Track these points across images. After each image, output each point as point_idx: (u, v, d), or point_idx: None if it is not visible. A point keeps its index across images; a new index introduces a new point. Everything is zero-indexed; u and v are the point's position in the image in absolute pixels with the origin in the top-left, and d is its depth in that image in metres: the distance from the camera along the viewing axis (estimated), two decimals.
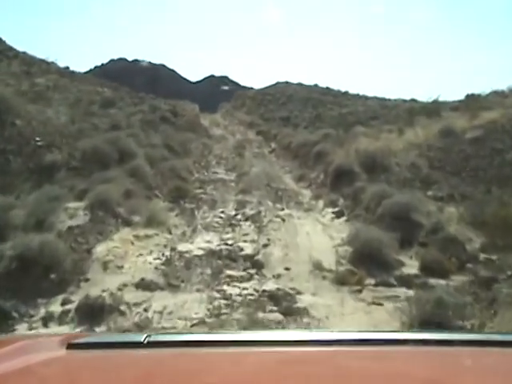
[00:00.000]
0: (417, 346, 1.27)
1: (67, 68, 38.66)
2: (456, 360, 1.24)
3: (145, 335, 1.32)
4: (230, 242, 9.60)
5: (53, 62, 37.09)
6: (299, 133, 24.69)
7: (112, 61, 71.76)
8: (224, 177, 17.08)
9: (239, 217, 11.75)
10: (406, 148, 15.78)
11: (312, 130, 26.65)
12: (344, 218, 11.55)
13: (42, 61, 37.06)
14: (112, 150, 13.45)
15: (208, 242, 9.67)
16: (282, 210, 12.49)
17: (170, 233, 9.81)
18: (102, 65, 69.75)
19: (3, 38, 39.12)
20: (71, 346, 1.29)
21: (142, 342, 1.29)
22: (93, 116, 20.47)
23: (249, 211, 12.09)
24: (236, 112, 40.16)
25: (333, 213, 12.18)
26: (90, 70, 62.51)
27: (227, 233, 10.44)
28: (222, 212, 12.30)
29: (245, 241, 9.76)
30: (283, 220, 11.28)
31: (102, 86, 35.79)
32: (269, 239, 9.74)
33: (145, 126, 21.77)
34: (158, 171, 15.01)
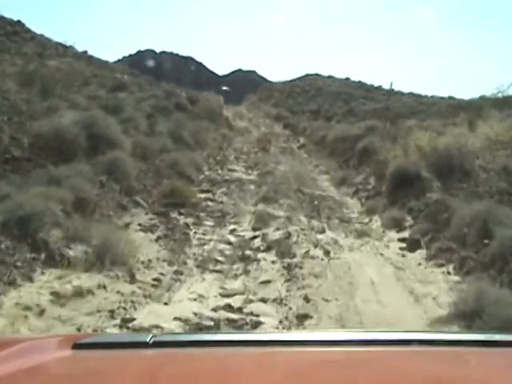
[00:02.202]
0: (422, 346, 1.18)
1: (85, 52, 34.48)
2: (462, 360, 1.17)
3: (150, 335, 1.22)
4: (236, 303, 5.01)
5: (71, 46, 33.02)
6: (334, 126, 19.96)
7: (140, 52, 67.42)
8: (242, 176, 12.47)
9: (258, 243, 7.15)
10: (486, 146, 11.00)
11: (345, 124, 21.95)
12: (422, 252, 6.87)
13: (60, 44, 33.06)
14: (82, 135, 8.94)
15: (198, 298, 5.09)
16: (323, 232, 7.87)
17: (133, 280, 5.23)
18: (130, 55, 65.47)
19: (22, 21, 35.24)
20: (77, 346, 1.19)
21: (147, 342, 1.18)
22: (93, 99, 15.96)
23: (273, 233, 7.49)
24: (262, 104, 35.45)
25: (400, 240, 7.53)
26: (118, 61, 58.42)
27: (235, 277, 5.84)
28: (233, 232, 7.72)
29: (263, 300, 5.16)
30: (327, 253, 6.66)
31: (122, 72, 31.66)
32: (307, 298, 5.13)
33: (156, 113, 17.29)
34: (153, 167, 10.51)
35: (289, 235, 7.32)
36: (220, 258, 6.44)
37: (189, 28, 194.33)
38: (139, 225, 7.16)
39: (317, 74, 42.83)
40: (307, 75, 42.82)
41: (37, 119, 9.23)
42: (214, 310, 4.83)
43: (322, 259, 6.38)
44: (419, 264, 6.48)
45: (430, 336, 1.30)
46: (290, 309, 4.93)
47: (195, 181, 11.00)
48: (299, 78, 42.08)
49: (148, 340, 1.19)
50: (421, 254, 6.82)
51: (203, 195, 9.89)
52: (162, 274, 5.59)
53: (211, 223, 8.07)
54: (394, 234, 7.79)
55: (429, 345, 1.19)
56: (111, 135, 9.67)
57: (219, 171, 12.79)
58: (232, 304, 4.93)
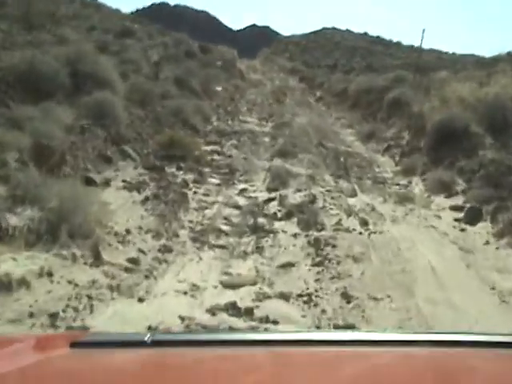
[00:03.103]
0: (424, 346, 1.09)
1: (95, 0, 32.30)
2: (463, 361, 1.08)
3: (148, 334, 1.12)
4: (244, 300, 3.34)
5: None
6: (354, 79, 17.95)
7: (154, 4, 64.53)
8: (255, 128, 10.67)
9: (274, 208, 5.43)
10: None
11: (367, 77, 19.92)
12: (487, 226, 5.13)
13: None
14: (64, 71, 7.17)
15: (190, 291, 3.44)
16: (354, 195, 6.14)
17: (97, 261, 3.56)
18: (144, 8, 62.71)
19: None
20: (74, 345, 1.11)
21: (145, 341, 1.09)
22: (95, 42, 14.02)
23: (293, 195, 5.77)
24: (277, 58, 33.17)
25: (453, 208, 5.78)
26: (132, 13, 55.87)
27: (244, 256, 4.16)
28: (243, 193, 6.01)
29: (284, 296, 3.48)
30: (364, 223, 4.95)
31: (132, 21, 29.54)
32: (346, 295, 3.46)
33: (164, 61, 15.35)
34: (152, 114, 8.74)
35: (313, 198, 5.61)
36: (225, 228, 4.75)
37: None
38: (123, 181, 5.45)
39: (334, 28, 40.23)
40: (324, 29, 40.21)
41: (12, 51, 7.47)
42: (212, 311, 3.15)
43: (361, 233, 4.67)
44: (487, 243, 4.75)
45: (431, 337, 1.16)
46: (324, 312, 3.24)
47: (201, 131, 9.23)
48: (315, 32, 39.51)
49: (146, 339, 1.09)
50: (485, 228, 5.09)
51: (209, 148, 8.15)
52: (141, 251, 3.90)
53: (216, 181, 6.35)
54: (443, 201, 6.03)
55: (430, 345, 1.09)
56: (102, 74, 7.89)
57: (229, 122, 11.00)
58: (238, 302, 3.26)
